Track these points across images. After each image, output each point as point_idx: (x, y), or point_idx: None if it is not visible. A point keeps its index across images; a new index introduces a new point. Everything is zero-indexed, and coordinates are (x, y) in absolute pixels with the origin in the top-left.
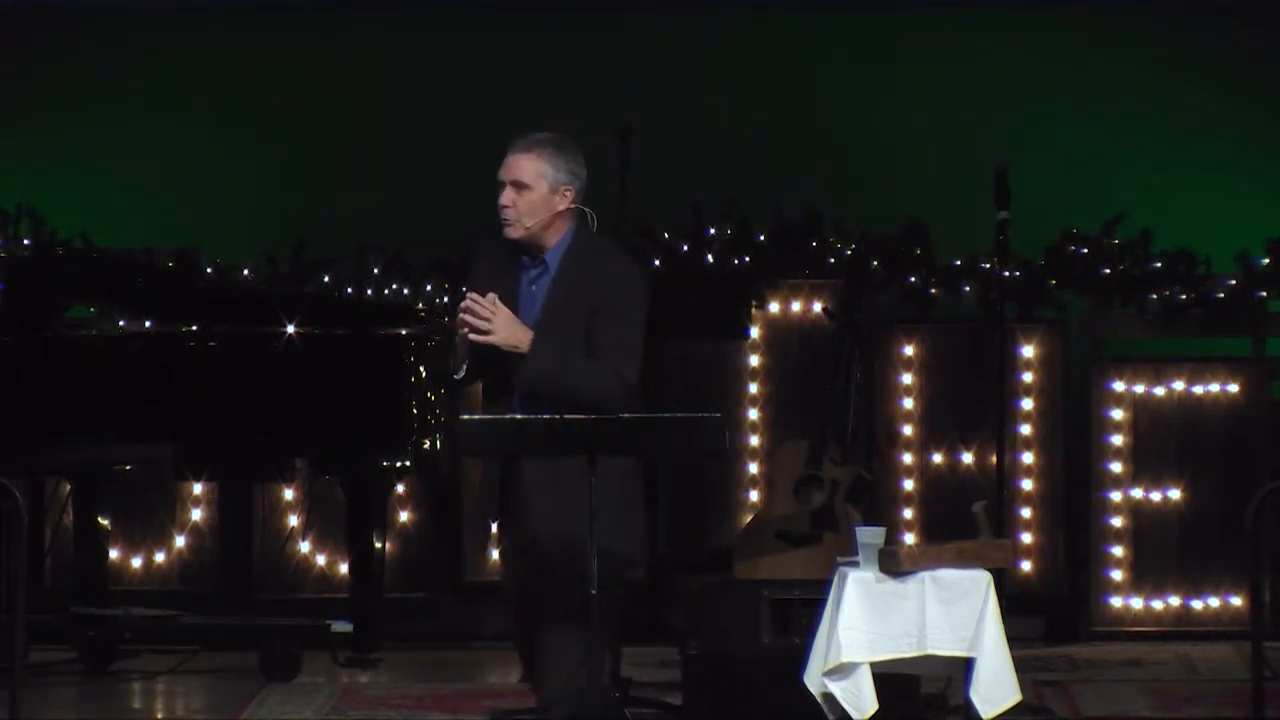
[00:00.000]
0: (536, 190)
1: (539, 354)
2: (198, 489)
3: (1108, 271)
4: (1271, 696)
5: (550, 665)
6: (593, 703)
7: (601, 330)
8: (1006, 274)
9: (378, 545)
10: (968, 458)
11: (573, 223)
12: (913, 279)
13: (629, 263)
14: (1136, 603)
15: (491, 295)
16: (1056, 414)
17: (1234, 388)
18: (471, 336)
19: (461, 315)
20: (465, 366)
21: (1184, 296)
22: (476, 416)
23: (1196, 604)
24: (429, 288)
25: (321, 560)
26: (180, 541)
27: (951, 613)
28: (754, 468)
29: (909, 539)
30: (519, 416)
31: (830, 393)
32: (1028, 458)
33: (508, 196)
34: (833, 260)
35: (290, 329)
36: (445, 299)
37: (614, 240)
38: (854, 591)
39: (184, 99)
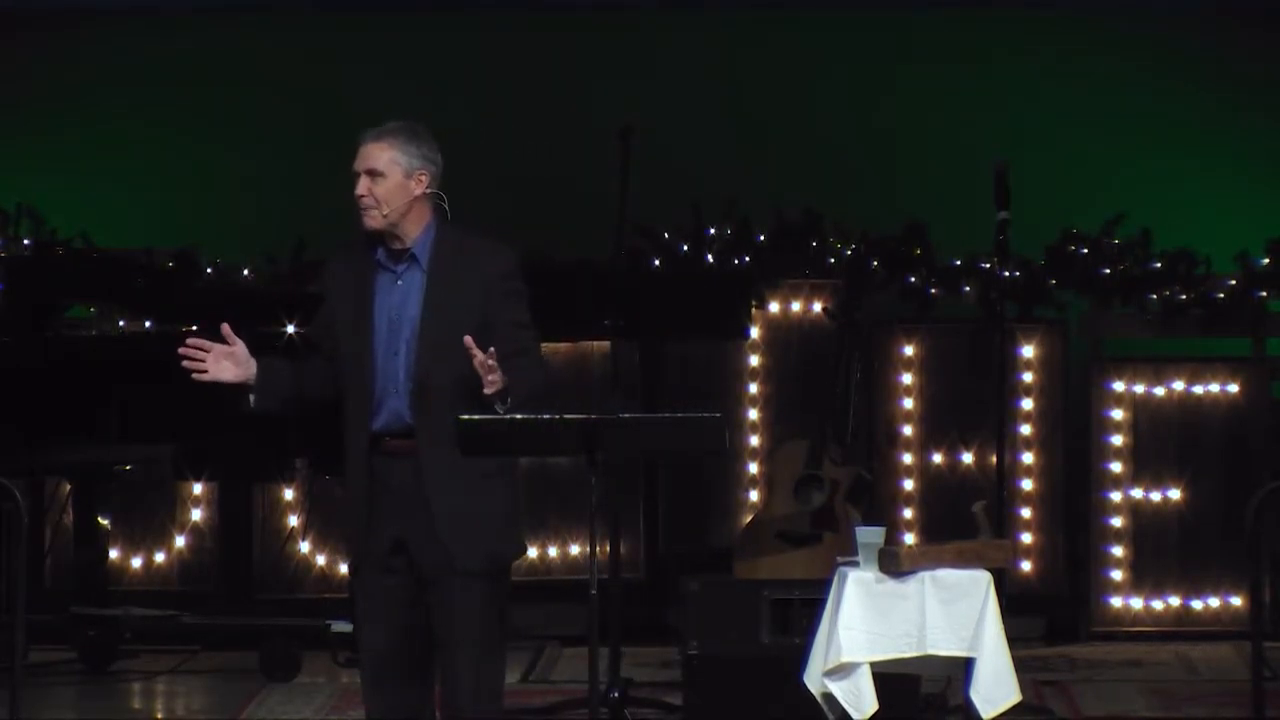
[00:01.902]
0: (391, 177)
1: (517, 382)
2: (198, 489)
3: (1108, 271)
4: (1271, 696)
5: (481, 689)
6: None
7: (506, 318)
8: (1006, 274)
9: None
10: (968, 458)
11: (433, 212)
12: (913, 279)
13: (501, 246)
14: (1136, 603)
15: (469, 340)
16: (1056, 414)
17: (1234, 388)
18: (488, 392)
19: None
20: (263, 399)
21: (1184, 296)
22: (476, 417)
23: (1196, 604)
24: None
25: (321, 560)
26: (180, 541)
27: (951, 613)
28: (754, 468)
29: (909, 539)
30: (519, 416)
31: (830, 393)
32: (1028, 458)
33: (363, 185)
34: (833, 260)
35: (290, 329)
36: None
37: (475, 228)
38: (854, 591)
39: (184, 99)
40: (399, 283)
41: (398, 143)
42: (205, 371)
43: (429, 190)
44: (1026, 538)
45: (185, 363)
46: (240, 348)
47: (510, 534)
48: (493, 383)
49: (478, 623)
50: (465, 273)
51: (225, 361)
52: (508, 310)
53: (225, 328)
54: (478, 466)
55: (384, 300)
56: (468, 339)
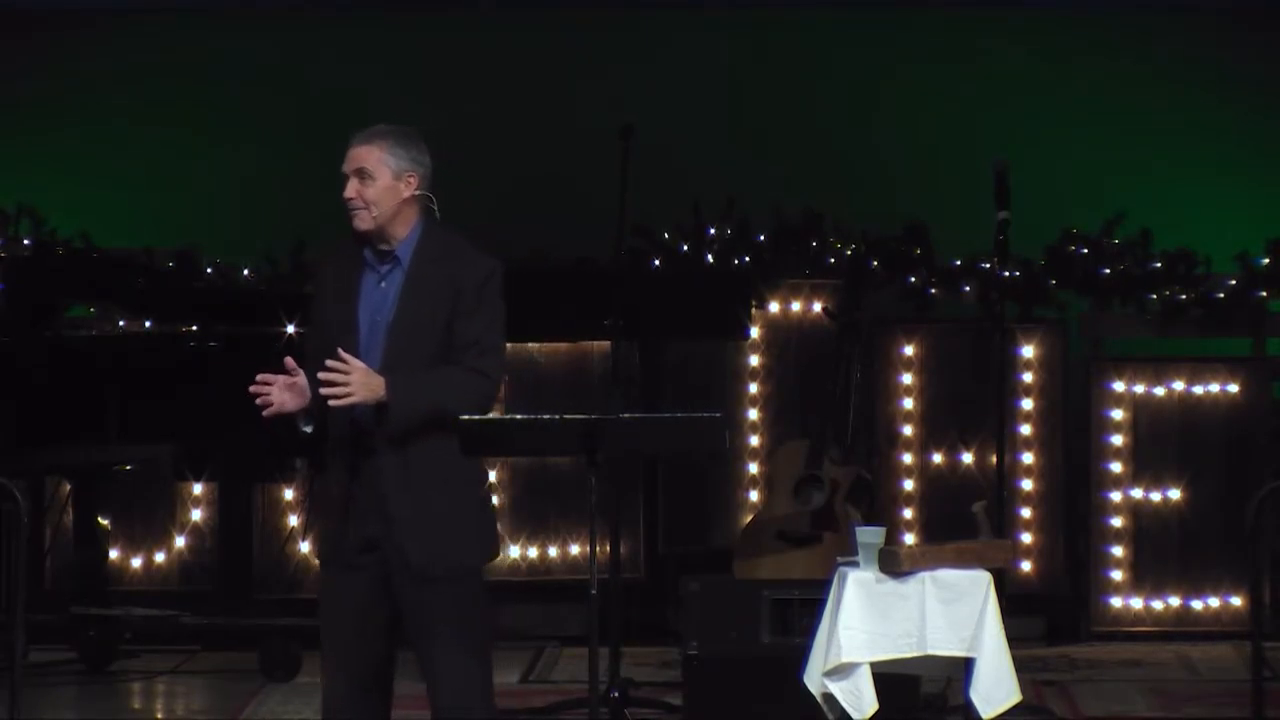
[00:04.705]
0: (380, 178)
1: (402, 395)
2: (198, 489)
3: (1108, 271)
4: (1271, 696)
5: (464, 689)
6: None
7: (463, 329)
8: (1006, 274)
9: None
10: (968, 458)
11: (421, 216)
12: (913, 279)
13: (483, 256)
14: (1136, 603)
15: (340, 353)
16: (1056, 414)
17: (1234, 388)
18: (333, 404)
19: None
20: (314, 416)
21: (1184, 296)
22: (476, 417)
23: (1196, 604)
24: None
25: None
26: (180, 541)
27: (951, 613)
28: (754, 468)
29: (909, 539)
30: (519, 416)
31: (830, 393)
32: (1028, 458)
33: (352, 188)
34: (833, 260)
35: (290, 329)
36: None
37: (463, 234)
38: (854, 591)
39: (184, 99)
40: (382, 284)
41: (387, 144)
42: (272, 404)
43: (418, 192)
44: (1026, 538)
45: (258, 399)
46: (301, 378)
47: (474, 537)
48: (336, 396)
49: (445, 628)
50: (442, 278)
51: (288, 393)
52: (467, 322)
53: (289, 361)
54: (439, 469)
55: (368, 301)
56: (340, 353)
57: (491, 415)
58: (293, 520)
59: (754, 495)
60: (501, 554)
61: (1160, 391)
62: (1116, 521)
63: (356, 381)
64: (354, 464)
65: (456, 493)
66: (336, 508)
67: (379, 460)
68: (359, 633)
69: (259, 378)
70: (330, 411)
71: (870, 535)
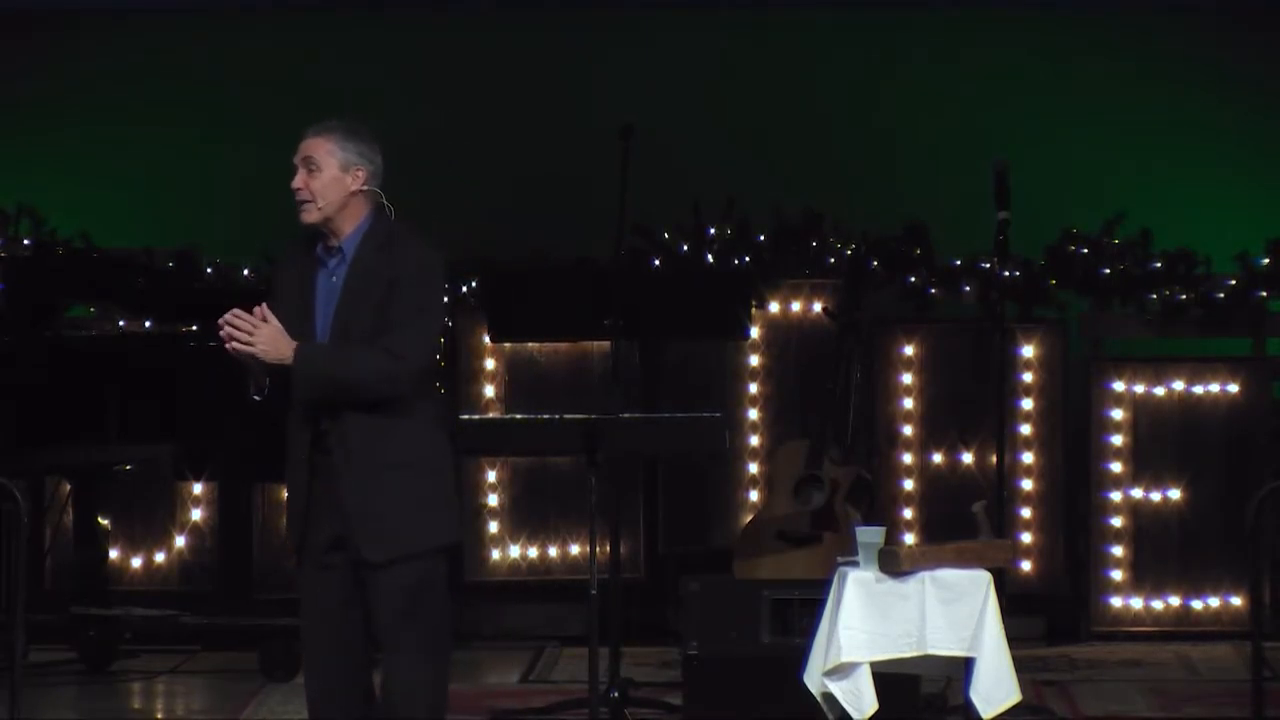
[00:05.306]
0: (327, 170)
1: (303, 361)
2: (198, 489)
3: (1108, 271)
4: (1271, 696)
5: (407, 689)
6: None
7: (393, 315)
8: (1006, 274)
9: None
10: (968, 458)
11: (370, 210)
12: (913, 279)
13: (424, 247)
14: (1136, 603)
15: (260, 308)
16: (1056, 414)
17: (1234, 388)
18: (229, 347)
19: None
20: (264, 387)
21: (1184, 296)
22: (476, 416)
23: (1196, 604)
24: None
25: None
26: (180, 541)
27: (951, 613)
28: (754, 468)
29: (909, 539)
30: (519, 416)
31: (830, 393)
32: (1028, 458)
33: (299, 178)
34: (833, 260)
35: None
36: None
37: (411, 226)
38: (854, 591)
39: (183, 99)
40: (333, 278)
41: (335, 138)
42: (249, 344)
43: (365, 187)
44: (1026, 538)
45: (227, 330)
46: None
47: (419, 524)
48: (238, 340)
49: (394, 619)
50: (381, 267)
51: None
52: (398, 308)
53: (263, 307)
54: (383, 458)
55: (322, 296)
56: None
57: (491, 415)
58: None
59: (754, 495)
60: (501, 554)
61: (1160, 391)
62: (1116, 521)
63: (264, 336)
64: (312, 461)
65: (405, 482)
66: (300, 506)
67: (333, 456)
68: (339, 630)
69: (232, 312)
70: (288, 405)
71: (870, 535)
